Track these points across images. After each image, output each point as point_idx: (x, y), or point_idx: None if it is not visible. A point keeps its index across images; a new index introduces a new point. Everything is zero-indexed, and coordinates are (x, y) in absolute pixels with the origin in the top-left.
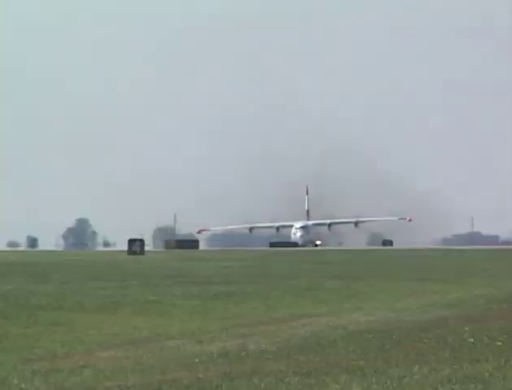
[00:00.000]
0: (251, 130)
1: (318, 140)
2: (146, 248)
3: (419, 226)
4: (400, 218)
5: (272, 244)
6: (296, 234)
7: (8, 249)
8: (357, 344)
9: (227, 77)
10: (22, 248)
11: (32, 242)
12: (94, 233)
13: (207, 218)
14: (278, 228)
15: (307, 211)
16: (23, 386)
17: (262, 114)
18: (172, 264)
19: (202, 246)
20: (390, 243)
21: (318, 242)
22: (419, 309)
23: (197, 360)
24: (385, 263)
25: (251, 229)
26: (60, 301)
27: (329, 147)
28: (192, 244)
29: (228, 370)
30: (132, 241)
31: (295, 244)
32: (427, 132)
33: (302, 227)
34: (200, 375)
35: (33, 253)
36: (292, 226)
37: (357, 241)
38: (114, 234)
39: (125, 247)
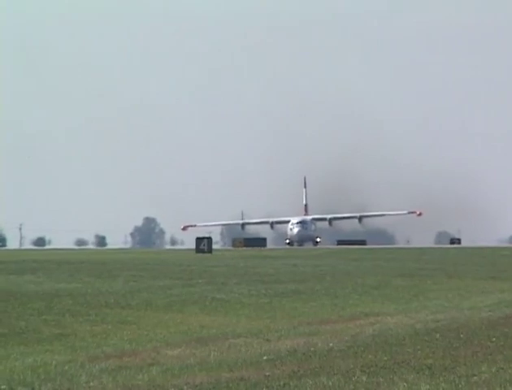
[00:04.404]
0: (260, 126)
1: (328, 136)
2: (214, 246)
3: (487, 223)
4: (409, 212)
5: (339, 242)
6: (292, 230)
7: (76, 247)
8: (424, 343)
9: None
10: (90, 246)
11: (101, 240)
12: (162, 232)
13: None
14: (272, 224)
15: (305, 206)
16: (91, 384)
17: (270, 112)
18: (239, 262)
19: (270, 244)
20: (458, 241)
21: (318, 239)
22: (487, 308)
23: (264, 358)
24: (452, 261)
25: (243, 225)
26: (128, 299)
27: (345, 141)
28: (260, 242)
29: (296, 369)
30: (199, 239)
31: (362, 242)
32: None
33: (300, 223)
34: (267, 373)
35: (101, 252)
36: (288, 221)
37: (424, 239)
38: (181, 232)
39: (193, 245)
